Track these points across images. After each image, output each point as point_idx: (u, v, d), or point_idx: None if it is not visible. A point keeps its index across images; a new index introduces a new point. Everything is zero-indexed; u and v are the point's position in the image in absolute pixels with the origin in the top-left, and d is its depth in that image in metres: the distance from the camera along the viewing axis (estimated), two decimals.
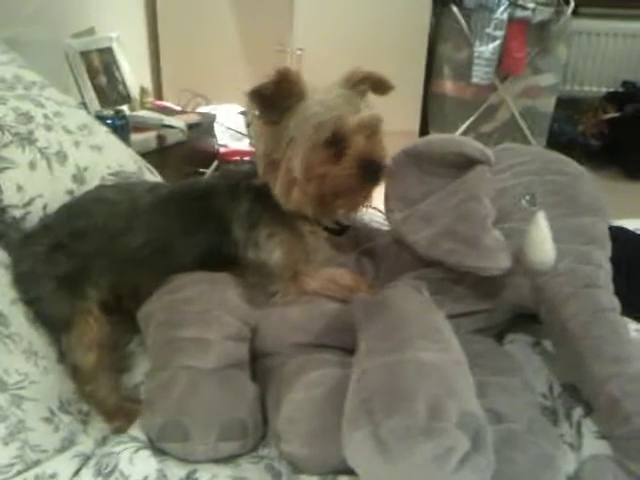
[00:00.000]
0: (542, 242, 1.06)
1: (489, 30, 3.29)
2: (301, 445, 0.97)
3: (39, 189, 1.28)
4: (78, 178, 1.36)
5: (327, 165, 1.13)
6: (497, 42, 3.29)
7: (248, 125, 2.82)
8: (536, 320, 1.14)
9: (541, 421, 1.01)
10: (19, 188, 1.25)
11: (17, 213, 1.24)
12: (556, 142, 3.58)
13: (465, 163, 1.16)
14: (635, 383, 0.96)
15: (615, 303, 1.06)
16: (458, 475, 0.80)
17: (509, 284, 1.13)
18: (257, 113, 1.15)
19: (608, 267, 1.11)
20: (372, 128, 1.16)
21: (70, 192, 1.33)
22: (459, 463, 0.80)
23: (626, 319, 1.09)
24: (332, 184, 1.14)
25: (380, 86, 1.21)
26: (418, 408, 0.81)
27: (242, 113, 2.95)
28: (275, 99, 1.12)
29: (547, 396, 1.11)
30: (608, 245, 1.14)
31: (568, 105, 3.82)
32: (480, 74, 3.36)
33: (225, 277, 1.19)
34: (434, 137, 1.25)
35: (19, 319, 1.12)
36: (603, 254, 1.12)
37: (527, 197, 1.14)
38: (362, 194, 1.20)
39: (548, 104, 3.61)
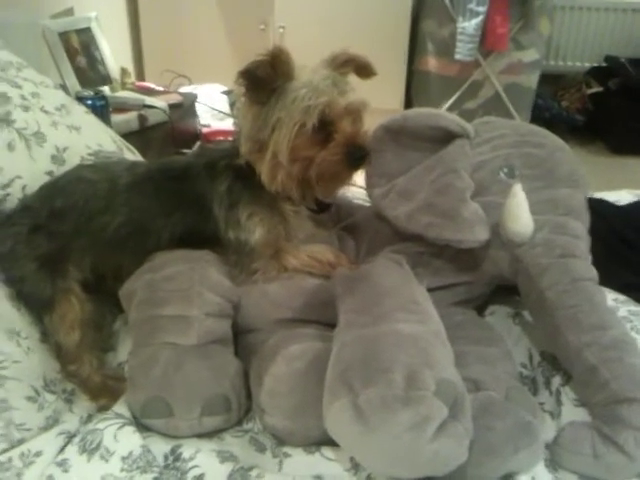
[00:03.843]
0: (519, 214, 1.07)
1: (471, 6, 3.27)
2: (284, 418, 0.98)
3: (18, 170, 1.27)
4: (57, 158, 1.35)
5: (314, 149, 1.14)
6: (480, 18, 3.27)
7: (232, 105, 2.79)
8: (516, 292, 1.15)
9: (519, 389, 1.02)
10: None
11: None
12: (540, 118, 3.58)
13: (444, 137, 1.17)
14: (611, 350, 0.97)
15: (592, 273, 1.07)
16: (436, 442, 0.81)
17: (488, 256, 1.13)
18: (243, 92, 1.15)
19: (586, 237, 1.12)
20: (357, 113, 1.17)
21: (49, 173, 1.32)
22: (437, 431, 0.81)
23: (604, 289, 1.10)
24: (318, 168, 1.15)
25: (363, 70, 1.23)
26: (395, 378, 0.82)
27: (225, 93, 2.92)
28: (266, 79, 1.12)
29: (527, 365, 1.13)
30: (586, 216, 1.15)
31: (552, 80, 3.82)
32: (463, 51, 3.35)
33: (206, 254, 1.19)
34: (412, 112, 1.25)
35: (0, 299, 1.12)
36: (580, 225, 1.12)
37: (505, 170, 1.14)
38: (345, 178, 1.22)
39: (532, 80, 3.60)
